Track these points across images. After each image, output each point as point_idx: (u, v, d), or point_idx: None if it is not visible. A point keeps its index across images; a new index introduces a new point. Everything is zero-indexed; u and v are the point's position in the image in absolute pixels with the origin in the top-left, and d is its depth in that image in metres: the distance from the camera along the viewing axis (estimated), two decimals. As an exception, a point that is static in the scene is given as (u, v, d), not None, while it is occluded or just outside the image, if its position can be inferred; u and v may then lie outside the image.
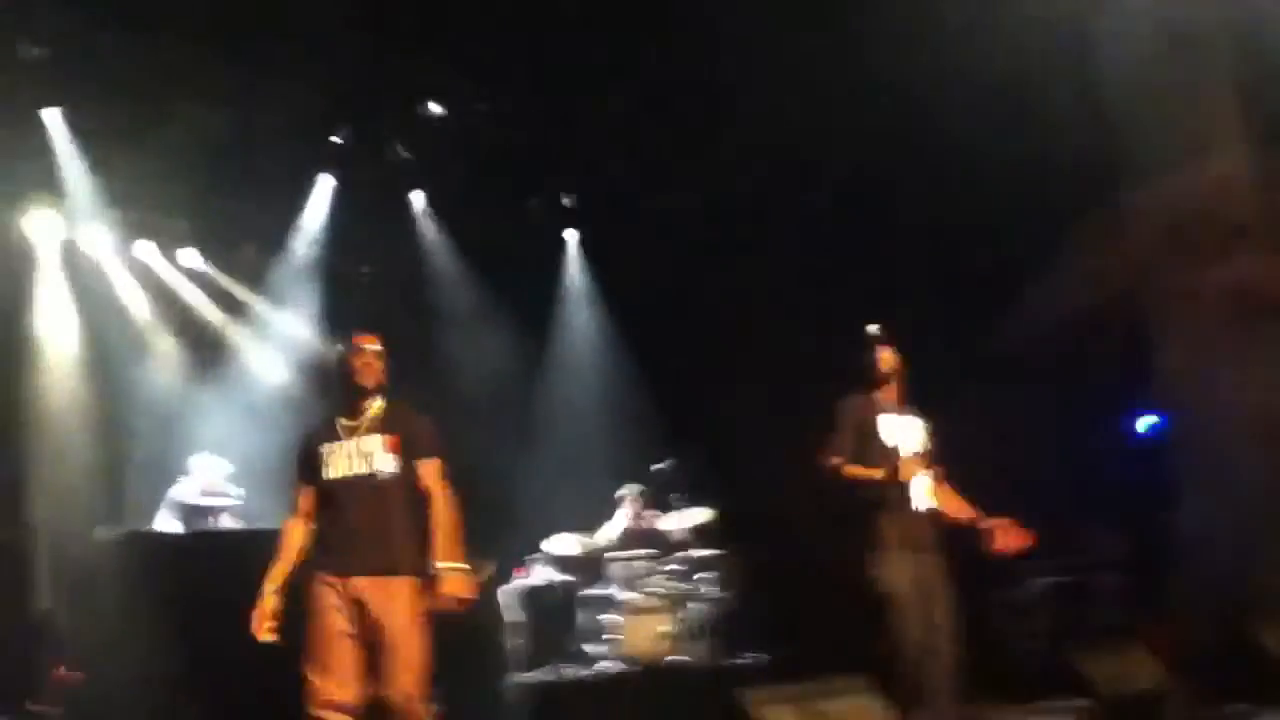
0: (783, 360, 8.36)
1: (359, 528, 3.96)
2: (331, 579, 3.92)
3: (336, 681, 3.82)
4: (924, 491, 4.44)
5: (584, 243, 10.02)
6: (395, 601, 3.89)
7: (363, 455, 4.01)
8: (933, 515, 4.45)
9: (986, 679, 5.47)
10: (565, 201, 9.65)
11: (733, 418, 8.60)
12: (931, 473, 4.49)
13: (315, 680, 3.85)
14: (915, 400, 4.76)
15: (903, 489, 4.40)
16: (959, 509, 4.59)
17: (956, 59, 6.68)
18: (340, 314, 8.55)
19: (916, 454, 4.48)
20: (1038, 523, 7.92)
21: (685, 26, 7.38)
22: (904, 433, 4.55)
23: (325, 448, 4.06)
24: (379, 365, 4.09)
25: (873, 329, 4.70)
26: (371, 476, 3.99)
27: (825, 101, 7.49)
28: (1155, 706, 4.87)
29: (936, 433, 4.66)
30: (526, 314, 9.48)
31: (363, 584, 3.90)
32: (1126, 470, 8.45)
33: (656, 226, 8.93)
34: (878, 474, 4.38)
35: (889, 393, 4.61)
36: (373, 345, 4.12)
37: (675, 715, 6.16)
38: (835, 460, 4.47)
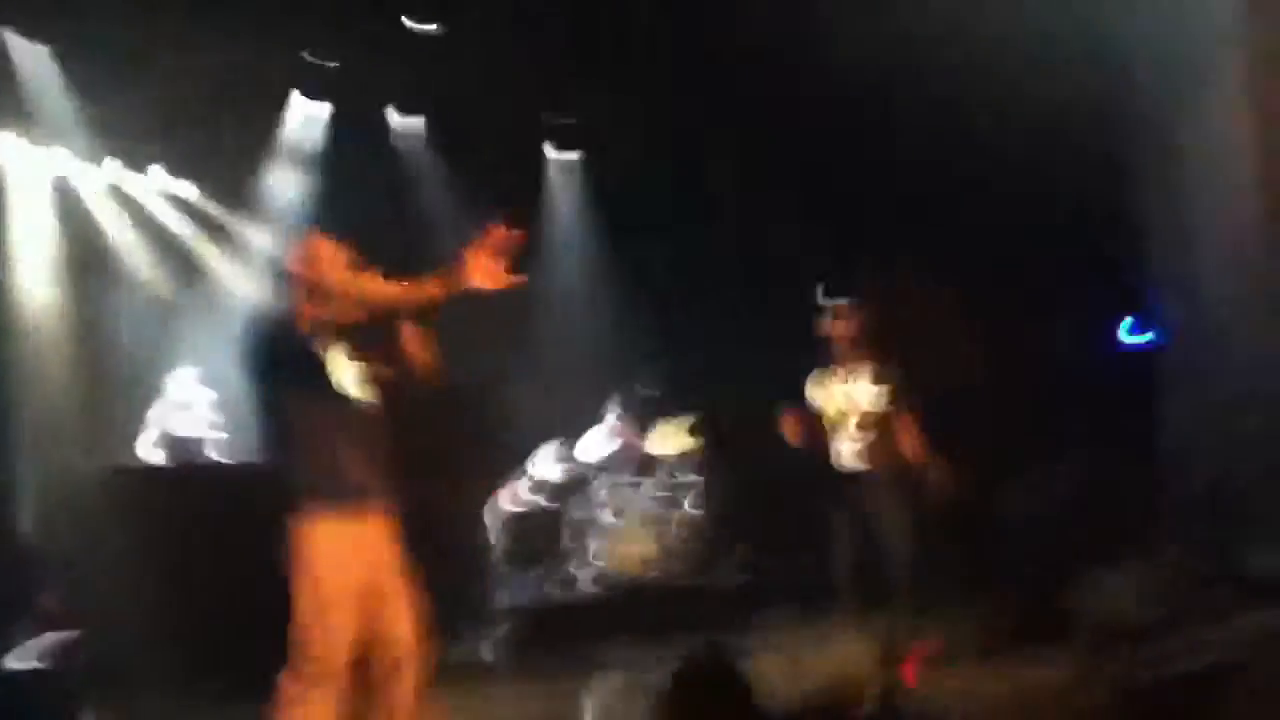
0: (774, 277, 8.31)
1: (356, 458, 3.48)
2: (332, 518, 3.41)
3: (341, 639, 3.36)
4: (849, 452, 4.88)
5: (573, 156, 9.82)
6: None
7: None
8: (871, 467, 4.87)
9: (970, 610, 5.56)
10: (553, 116, 9.45)
11: (720, 334, 8.57)
12: (870, 431, 4.87)
13: (318, 637, 3.33)
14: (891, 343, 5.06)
15: (828, 452, 4.89)
16: (914, 454, 4.96)
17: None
18: (321, 231, 8.40)
19: (855, 413, 4.91)
20: (1022, 450, 8.07)
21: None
22: (844, 398, 4.97)
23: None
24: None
25: (822, 298, 5.13)
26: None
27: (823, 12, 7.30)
28: (1144, 635, 4.91)
29: (905, 384, 4.99)
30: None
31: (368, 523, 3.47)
32: (1113, 381, 8.43)
33: (647, 139, 8.76)
34: (795, 438, 4.90)
35: (843, 357, 4.96)
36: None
37: (658, 635, 6.22)
38: (787, 429, 4.95)
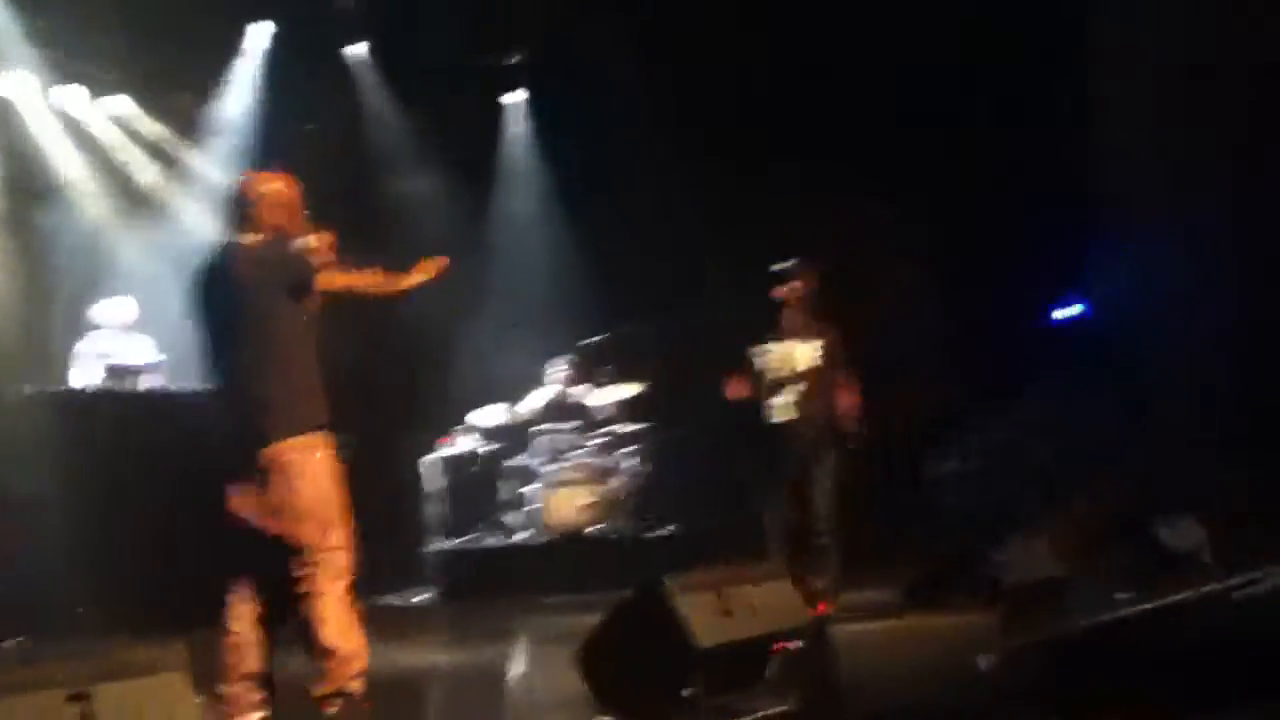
0: (723, 240, 8.37)
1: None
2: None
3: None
4: (781, 405, 5.17)
5: (529, 103, 9.78)
6: None
7: None
8: (800, 422, 5.15)
9: (893, 565, 5.75)
10: (511, 59, 9.39)
11: (668, 294, 8.62)
12: (804, 386, 5.16)
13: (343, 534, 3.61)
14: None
15: (763, 407, 5.19)
16: (844, 412, 5.27)
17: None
18: (276, 165, 8.31)
19: (791, 369, 5.19)
20: (956, 412, 8.28)
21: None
22: (783, 357, 5.26)
23: None
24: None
25: (776, 267, 5.28)
26: None
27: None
28: (1054, 594, 5.12)
29: (842, 343, 5.29)
30: (467, 176, 9.30)
31: None
32: (1045, 356, 8.67)
33: (603, 92, 8.74)
34: (741, 393, 5.23)
35: (789, 318, 5.25)
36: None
37: (592, 585, 6.33)
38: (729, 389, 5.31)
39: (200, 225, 7.98)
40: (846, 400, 5.23)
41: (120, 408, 6.26)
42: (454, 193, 9.10)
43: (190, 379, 6.89)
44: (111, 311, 6.92)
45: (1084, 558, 5.94)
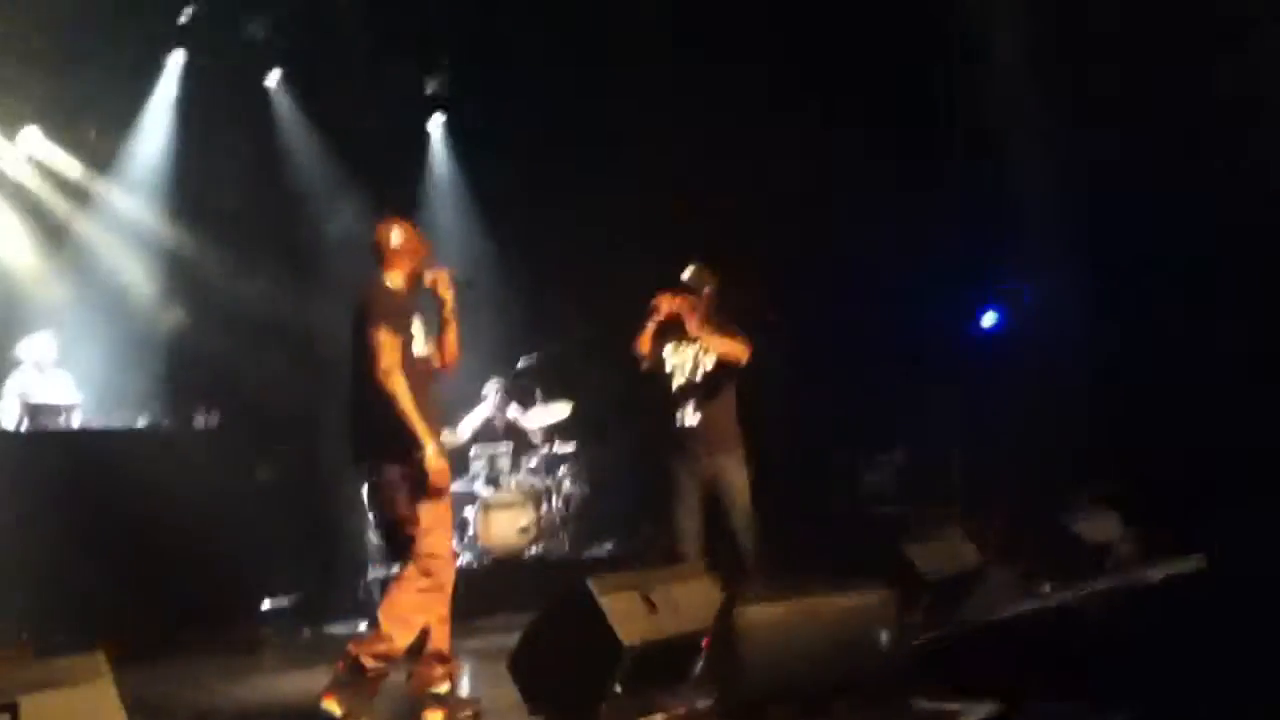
0: (647, 255, 8.46)
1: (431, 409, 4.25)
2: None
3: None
4: (690, 411, 5.21)
5: (448, 127, 9.83)
6: None
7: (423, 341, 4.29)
8: (703, 425, 5.19)
9: (813, 561, 5.86)
10: (429, 86, 9.45)
11: (594, 312, 8.69)
12: (708, 392, 5.21)
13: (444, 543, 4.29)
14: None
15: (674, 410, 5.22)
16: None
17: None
18: (191, 198, 8.29)
19: (697, 375, 5.23)
20: (879, 414, 8.45)
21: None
22: (689, 363, 5.29)
23: (413, 320, 4.27)
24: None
25: (685, 274, 5.30)
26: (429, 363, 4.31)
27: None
28: (970, 586, 5.28)
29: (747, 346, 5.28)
30: (388, 200, 9.30)
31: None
32: (968, 361, 8.91)
33: (524, 111, 8.82)
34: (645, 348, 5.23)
35: (690, 322, 5.24)
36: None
37: (530, 606, 6.33)
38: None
39: (115, 259, 7.94)
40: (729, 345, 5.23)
41: (39, 445, 6.22)
42: (377, 218, 9.08)
43: (109, 416, 6.91)
44: (29, 348, 6.86)
45: (1002, 551, 6.14)
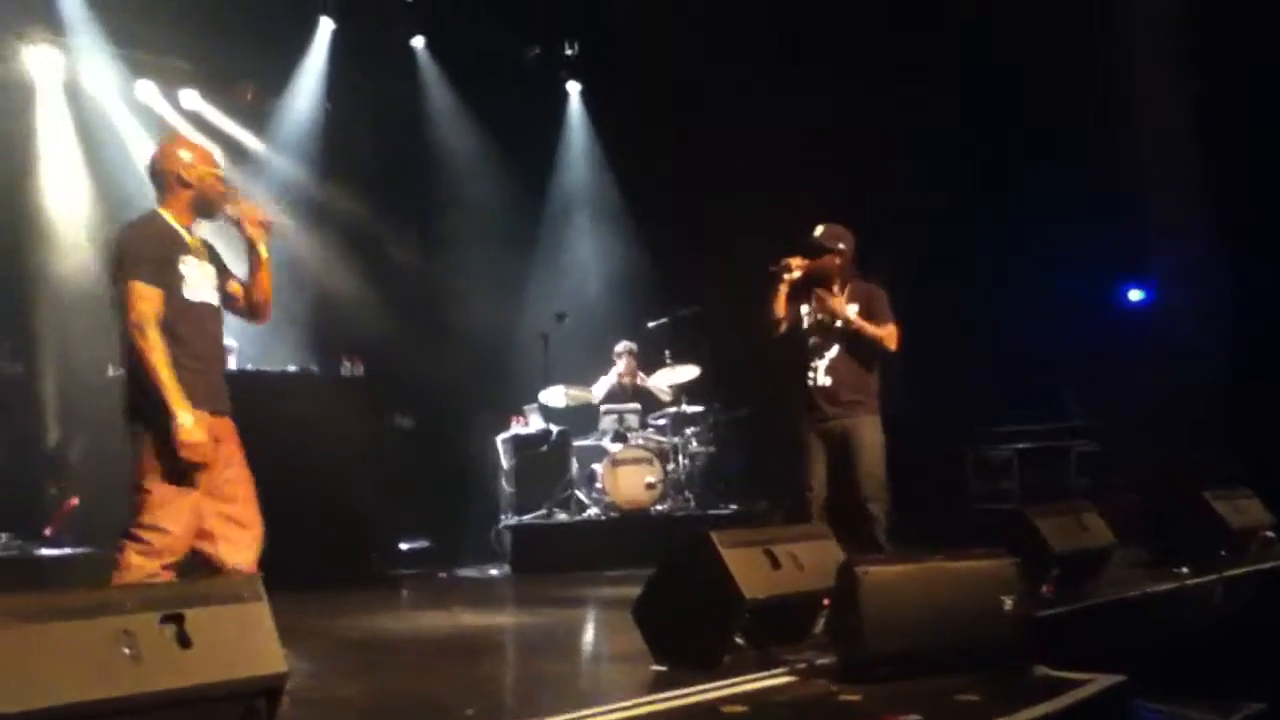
0: (779, 222, 8.44)
1: (215, 361, 3.57)
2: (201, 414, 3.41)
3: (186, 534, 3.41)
4: (822, 369, 5.08)
5: (585, 94, 9.96)
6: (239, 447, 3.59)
7: (209, 282, 3.55)
8: (835, 385, 5.06)
9: (947, 533, 5.81)
10: (568, 51, 9.58)
11: (725, 277, 8.71)
12: (841, 350, 5.08)
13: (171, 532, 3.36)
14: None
15: (808, 371, 5.11)
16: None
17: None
18: (339, 158, 8.61)
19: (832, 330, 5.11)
20: (1015, 388, 8.31)
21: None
22: (825, 319, 5.16)
23: (183, 260, 3.49)
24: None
25: (816, 231, 5.17)
26: (218, 310, 3.60)
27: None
28: (1100, 563, 5.17)
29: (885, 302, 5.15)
30: (526, 165, 9.50)
31: (221, 424, 3.51)
32: (1111, 339, 8.67)
33: (659, 80, 8.87)
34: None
35: (830, 280, 5.14)
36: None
37: (656, 560, 6.45)
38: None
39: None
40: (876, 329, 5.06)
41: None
42: (514, 179, 9.32)
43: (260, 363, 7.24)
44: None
45: (1140, 531, 5.98)
